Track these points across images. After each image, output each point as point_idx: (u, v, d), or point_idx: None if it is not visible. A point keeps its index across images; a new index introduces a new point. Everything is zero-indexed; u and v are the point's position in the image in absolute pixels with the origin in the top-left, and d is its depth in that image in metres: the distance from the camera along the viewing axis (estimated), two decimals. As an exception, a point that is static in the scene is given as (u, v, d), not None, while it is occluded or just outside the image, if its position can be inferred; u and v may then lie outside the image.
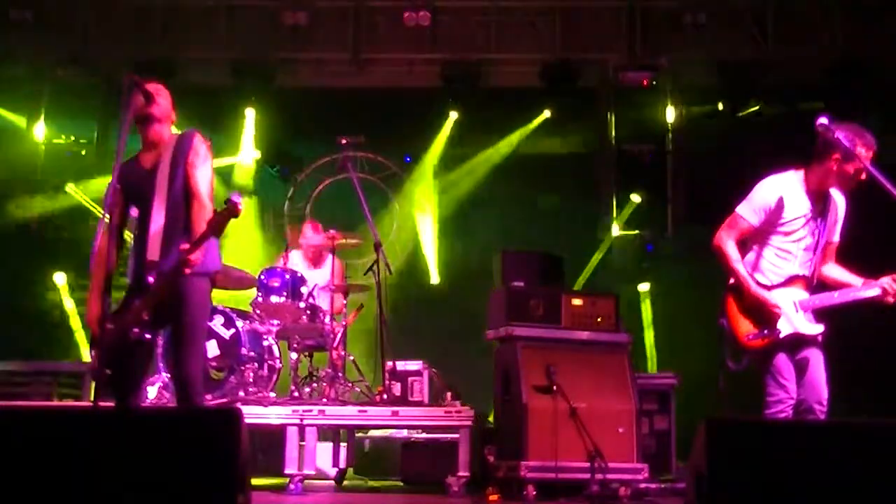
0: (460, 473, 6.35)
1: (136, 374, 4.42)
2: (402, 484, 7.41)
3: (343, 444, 7.81)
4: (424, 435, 7.53)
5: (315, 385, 7.29)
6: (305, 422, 6.44)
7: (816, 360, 4.71)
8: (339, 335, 7.34)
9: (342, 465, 7.81)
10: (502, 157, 10.05)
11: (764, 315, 4.71)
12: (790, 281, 4.76)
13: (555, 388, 6.08)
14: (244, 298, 7.55)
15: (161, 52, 9.41)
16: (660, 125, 9.65)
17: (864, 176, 4.62)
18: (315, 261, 8.07)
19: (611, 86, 9.77)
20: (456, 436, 6.52)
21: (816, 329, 4.73)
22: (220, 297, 7.55)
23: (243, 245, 9.52)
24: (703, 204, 8.58)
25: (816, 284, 4.83)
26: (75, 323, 9.49)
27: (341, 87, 9.87)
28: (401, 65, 9.95)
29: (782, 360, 4.67)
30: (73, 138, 9.79)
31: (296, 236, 8.45)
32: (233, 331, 7.08)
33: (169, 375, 6.50)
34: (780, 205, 4.74)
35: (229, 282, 7.26)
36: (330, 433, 7.77)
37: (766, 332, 4.69)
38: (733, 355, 4.79)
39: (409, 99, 9.90)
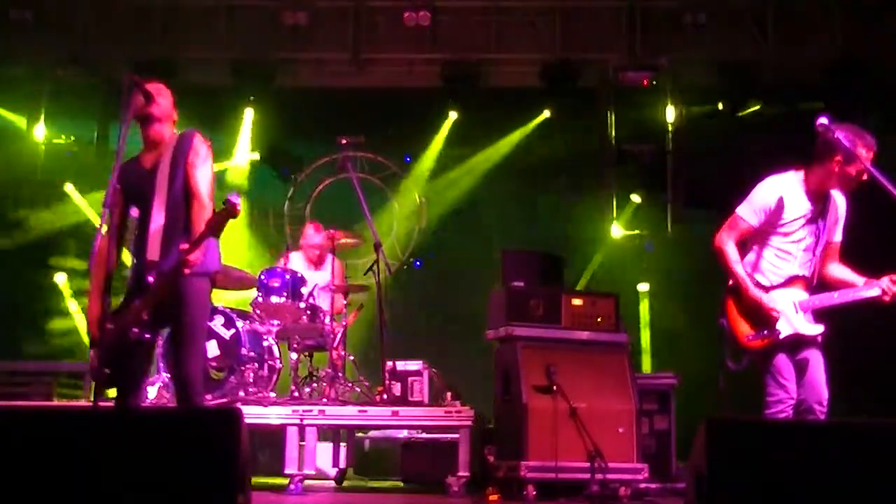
0: (460, 473, 6.34)
1: (135, 374, 4.42)
2: (402, 484, 7.41)
3: (343, 444, 7.81)
4: (424, 435, 7.53)
5: (315, 385, 7.29)
6: (305, 422, 6.44)
7: (816, 360, 4.71)
8: (339, 335, 7.34)
9: (342, 465, 7.82)
10: (502, 157, 10.05)
11: (763, 316, 4.71)
12: (790, 281, 4.76)
13: (555, 388, 6.08)
14: (244, 298, 7.56)
15: (161, 52, 9.41)
16: (660, 125, 9.65)
17: (865, 177, 4.62)
18: (316, 262, 8.07)
19: (611, 86, 9.77)
20: (456, 436, 6.51)
21: (816, 329, 4.73)
22: (220, 297, 7.57)
23: (233, 244, 9.48)
24: (703, 204, 8.59)
25: (819, 284, 4.82)
26: (76, 323, 9.49)
27: (341, 87, 9.87)
28: (401, 65, 9.95)
29: (782, 361, 4.67)
30: (73, 138, 9.81)
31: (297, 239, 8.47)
32: (233, 331, 7.08)
33: (169, 375, 6.50)
34: (780, 205, 4.74)
35: (229, 282, 7.26)
36: (330, 433, 7.77)
37: (765, 332, 4.70)
38: (733, 355, 4.79)
39: (409, 99, 9.91)
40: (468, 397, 6.92)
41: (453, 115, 9.91)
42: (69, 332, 9.48)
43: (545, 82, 9.58)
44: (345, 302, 7.70)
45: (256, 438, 7.48)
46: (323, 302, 7.45)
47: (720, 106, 9.47)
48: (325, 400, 6.83)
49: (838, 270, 4.87)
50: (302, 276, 7.31)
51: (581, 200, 9.87)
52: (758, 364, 4.74)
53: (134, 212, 4.50)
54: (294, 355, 7.18)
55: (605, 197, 9.94)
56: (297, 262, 8.01)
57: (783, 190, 4.76)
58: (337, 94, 9.86)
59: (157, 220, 4.37)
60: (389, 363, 6.97)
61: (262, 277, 7.20)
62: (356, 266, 8.82)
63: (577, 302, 6.56)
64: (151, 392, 6.85)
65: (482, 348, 7.08)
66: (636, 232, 9.79)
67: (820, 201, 4.79)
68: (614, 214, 9.84)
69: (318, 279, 7.64)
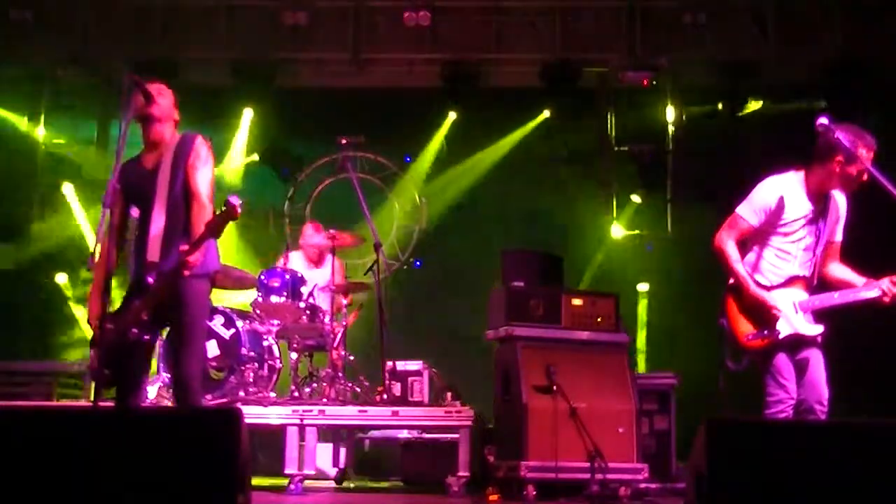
0: (460, 473, 6.34)
1: (135, 375, 4.42)
2: (402, 484, 7.40)
3: (343, 444, 7.80)
4: (425, 435, 7.53)
5: (315, 385, 7.29)
6: (305, 422, 6.44)
7: (816, 360, 4.71)
8: (339, 335, 7.34)
9: (342, 465, 7.81)
10: (502, 157, 10.05)
11: (763, 315, 4.71)
12: (790, 281, 4.76)
13: (555, 388, 6.08)
14: (245, 303, 7.55)
15: (161, 52, 9.41)
16: (660, 125, 9.65)
17: (866, 177, 4.62)
18: (315, 261, 8.07)
19: (611, 86, 9.78)
20: (456, 436, 6.51)
21: (816, 330, 4.73)
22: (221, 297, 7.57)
23: (230, 245, 9.47)
24: (703, 204, 8.59)
25: (820, 284, 4.82)
26: (75, 323, 9.49)
27: (341, 87, 9.88)
28: (401, 65, 9.95)
29: (782, 361, 4.67)
30: (73, 138, 9.80)
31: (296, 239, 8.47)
32: (233, 331, 7.08)
33: (169, 375, 6.50)
34: (780, 205, 4.74)
35: (229, 282, 7.26)
36: (330, 433, 7.77)
37: (765, 332, 4.69)
38: (733, 355, 4.79)
39: (409, 99, 9.91)
40: (468, 397, 6.93)
41: (453, 115, 9.91)
42: (69, 332, 9.48)
43: (545, 82, 9.58)
44: (345, 301, 7.70)
45: (256, 438, 7.48)
46: (323, 302, 7.45)
47: (720, 106, 9.46)
48: (325, 400, 6.83)
49: (839, 270, 4.87)
50: (302, 276, 7.31)
51: (581, 201, 9.86)
52: (758, 364, 4.74)
53: (134, 212, 4.50)
54: (294, 355, 7.18)
55: (605, 197, 9.94)
56: (296, 261, 8.01)
57: (784, 190, 4.76)
58: (337, 94, 9.87)
59: (158, 221, 4.37)
60: (389, 363, 6.97)
61: (262, 277, 7.20)
62: (356, 266, 8.81)
63: (577, 302, 6.56)
64: (151, 392, 6.84)
65: (482, 348, 7.08)
66: (636, 232, 9.80)
67: (820, 201, 4.79)
68: (614, 214, 9.85)
69: (317, 278, 7.64)
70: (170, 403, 6.62)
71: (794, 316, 4.70)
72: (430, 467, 7.06)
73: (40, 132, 9.65)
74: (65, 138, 9.77)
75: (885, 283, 4.66)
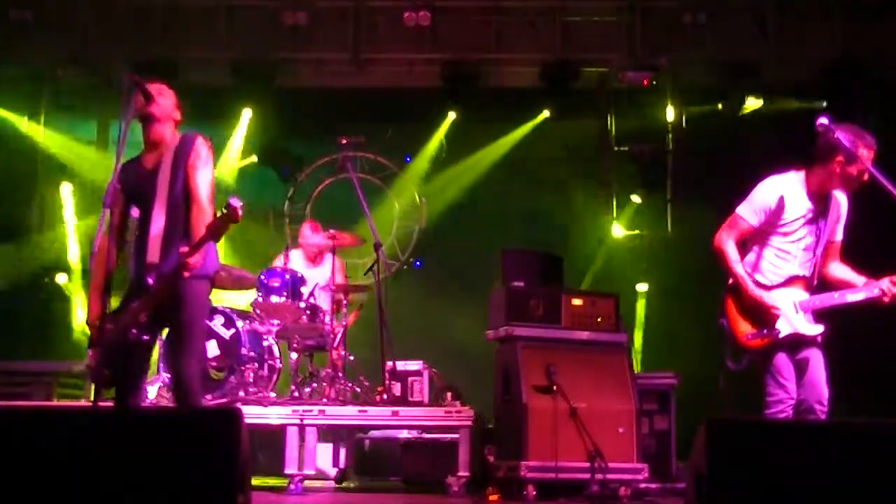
0: (460, 473, 6.35)
1: (134, 375, 4.42)
2: (402, 484, 7.40)
3: (343, 444, 7.80)
4: (425, 435, 7.53)
5: (315, 385, 7.29)
6: (305, 422, 6.44)
7: (816, 360, 4.71)
8: (339, 335, 7.34)
9: (342, 465, 7.81)
10: (502, 157, 10.05)
11: (763, 315, 4.71)
12: (790, 281, 4.76)
13: (555, 388, 6.08)
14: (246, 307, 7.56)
15: (161, 52, 9.41)
16: (660, 125, 9.65)
17: (866, 177, 4.62)
18: (313, 259, 8.07)
19: (611, 86, 9.77)
20: (456, 436, 6.52)
21: (816, 329, 4.73)
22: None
23: (229, 244, 9.46)
24: (703, 204, 8.59)
25: (820, 283, 4.82)
26: (76, 323, 9.49)
27: (341, 87, 9.87)
28: (401, 65, 9.95)
29: (782, 360, 4.67)
30: (73, 138, 9.80)
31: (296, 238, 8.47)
32: (233, 331, 7.08)
33: (169, 375, 6.50)
34: (780, 205, 4.74)
35: (229, 281, 7.26)
36: (330, 433, 7.76)
37: (765, 332, 4.69)
38: (733, 355, 4.79)
39: (409, 99, 9.91)
40: (468, 397, 6.93)
41: (453, 115, 9.91)
42: (69, 332, 9.48)
43: (545, 82, 9.57)
44: (345, 301, 7.70)
45: (256, 438, 7.48)
46: (323, 301, 7.45)
47: (720, 106, 9.46)
48: (325, 400, 6.83)
49: (839, 270, 4.87)
50: (302, 276, 7.31)
51: (581, 201, 9.87)
52: (758, 364, 4.74)
53: (134, 212, 4.50)
54: (294, 355, 7.18)
55: (605, 197, 9.94)
56: (296, 259, 8.01)
57: (784, 189, 4.76)
58: (337, 94, 9.86)
59: (158, 222, 4.37)
60: (389, 363, 6.97)
61: (262, 277, 7.20)
62: (356, 266, 8.81)
63: (577, 302, 6.57)
64: (151, 392, 6.84)
65: (482, 348, 7.08)
66: (636, 232, 9.80)
67: (821, 201, 4.79)
68: (614, 214, 9.85)
69: (317, 276, 7.64)
70: (170, 403, 6.62)
71: (793, 316, 4.70)
72: (430, 467, 7.05)
73: (40, 132, 9.65)
74: (65, 138, 9.77)
75: (884, 283, 4.66)
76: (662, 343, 9.34)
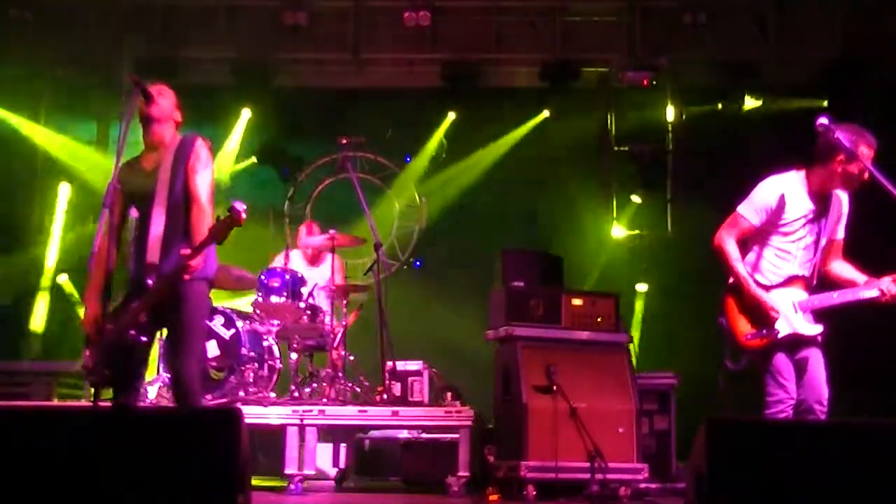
0: (460, 473, 6.34)
1: (133, 376, 4.42)
2: (402, 484, 7.40)
3: (343, 445, 7.79)
4: (424, 435, 7.53)
5: (315, 385, 7.29)
6: (305, 422, 6.44)
7: (816, 359, 4.71)
8: (339, 335, 7.33)
9: (342, 465, 7.81)
10: (502, 157, 10.05)
11: (762, 315, 4.71)
12: (789, 281, 4.76)
13: (555, 388, 6.08)
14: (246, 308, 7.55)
15: (161, 51, 9.42)
16: (660, 125, 9.66)
17: (867, 176, 4.62)
18: (311, 259, 8.06)
19: (611, 86, 9.78)
20: (456, 436, 6.51)
21: (815, 329, 4.72)
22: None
23: (228, 244, 9.45)
24: (703, 204, 8.59)
25: (821, 282, 4.82)
26: (76, 323, 9.49)
27: (341, 87, 9.88)
28: (401, 65, 9.95)
29: (782, 360, 4.66)
30: (73, 138, 9.80)
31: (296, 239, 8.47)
32: (233, 331, 7.08)
33: (169, 375, 6.50)
34: (780, 205, 4.74)
35: (229, 281, 7.26)
36: (330, 433, 7.76)
37: (764, 332, 4.69)
38: (732, 355, 4.79)
39: (409, 99, 9.91)
40: (468, 397, 6.93)
41: (452, 115, 9.91)
42: (69, 332, 9.47)
43: (545, 82, 9.58)
44: (345, 301, 7.70)
45: (256, 438, 7.48)
46: (323, 301, 7.45)
47: (720, 106, 9.47)
48: (325, 400, 6.83)
49: (841, 268, 4.87)
50: (302, 276, 7.31)
51: (581, 200, 9.87)
52: (757, 364, 4.73)
53: (134, 212, 4.50)
54: (294, 355, 7.18)
55: (605, 197, 9.94)
56: (296, 259, 8.01)
57: (784, 189, 4.76)
58: (337, 94, 9.87)
59: (158, 223, 4.37)
60: (389, 363, 6.97)
61: (262, 277, 7.20)
62: (356, 266, 8.81)
63: (577, 302, 6.56)
64: (151, 392, 6.84)
65: (482, 348, 7.08)
66: (636, 232, 9.80)
67: (821, 201, 4.78)
68: (614, 214, 9.84)
69: (316, 276, 7.64)
70: (170, 403, 6.62)
71: (793, 315, 4.70)
72: (430, 467, 7.05)
73: (40, 132, 9.64)
74: (65, 138, 9.77)
75: (884, 282, 4.66)
76: (662, 343, 9.34)
